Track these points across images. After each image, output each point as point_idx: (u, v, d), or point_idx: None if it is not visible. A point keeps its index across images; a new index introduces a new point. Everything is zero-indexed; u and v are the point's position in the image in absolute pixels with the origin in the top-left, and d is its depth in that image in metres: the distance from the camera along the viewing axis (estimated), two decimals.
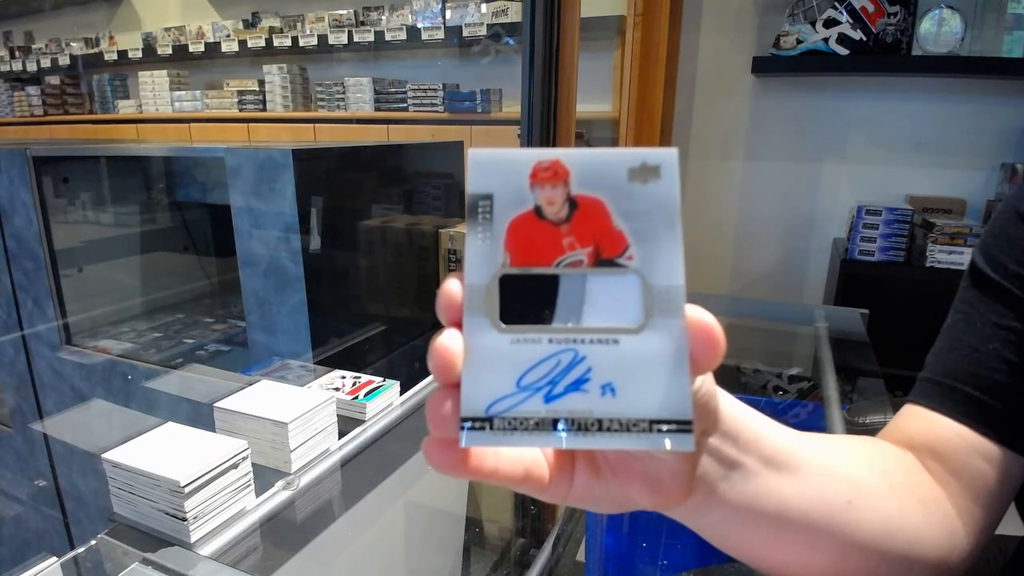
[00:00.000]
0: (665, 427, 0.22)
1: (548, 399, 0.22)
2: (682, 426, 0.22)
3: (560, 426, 0.22)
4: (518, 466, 0.25)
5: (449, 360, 0.22)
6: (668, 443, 0.22)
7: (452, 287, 0.23)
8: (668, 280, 0.22)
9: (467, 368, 0.22)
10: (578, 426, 0.22)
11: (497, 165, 0.23)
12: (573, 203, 0.23)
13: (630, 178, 0.23)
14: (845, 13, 1.83)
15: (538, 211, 0.23)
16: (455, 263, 1.53)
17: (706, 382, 0.25)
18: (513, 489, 0.26)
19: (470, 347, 0.22)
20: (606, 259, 0.23)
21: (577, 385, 0.22)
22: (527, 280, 0.23)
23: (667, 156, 0.23)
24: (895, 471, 0.39)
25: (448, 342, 0.22)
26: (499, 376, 0.22)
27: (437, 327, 0.23)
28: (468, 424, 0.22)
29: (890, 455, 0.41)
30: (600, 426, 0.22)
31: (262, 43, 2.88)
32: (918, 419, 0.43)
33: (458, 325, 0.23)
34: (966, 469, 0.39)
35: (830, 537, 0.33)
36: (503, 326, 0.22)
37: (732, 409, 0.29)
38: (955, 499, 0.39)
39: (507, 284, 0.23)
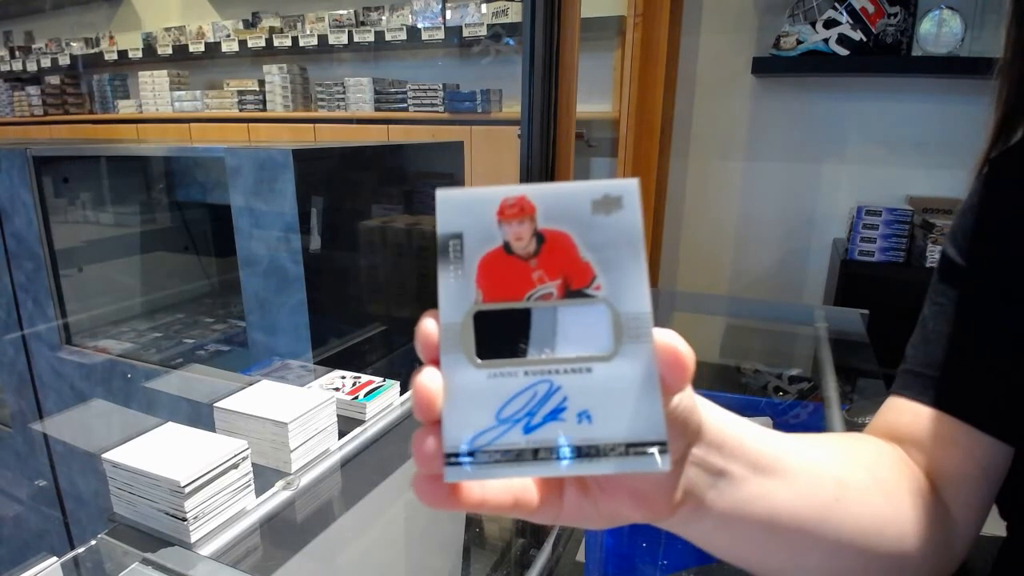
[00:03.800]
0: (641, 449, 0.23)
1: (527, 430, 0.23)
2: (657, 447, 0.23)
3: (540, 455, 0.23)
4: (506, 494, 0.26)
5: (429, 398, 0.22)
6: (645, 464, 0.23)
7: (428, 326, 0.23)
8: (635, 307, 0.23)
9: (447, 405, 0.23)
10: (557, 454, 0.23)
11: (465, 204, 0.24)
12: (540, 237, 0.24)
13: (593, 210, 0.23)
14: (845, 14, 1.83)
15: (507, 247, 0.24)
16: None
17: (684, 398, 0.26)
18: (504, 515, 0.26)
19: (449, 384, 0.23)
20: (575, 290, 0.24)
21: (555, 415, 0.23)
22: (500, 315, 0.23)
23: (628, 187, 0.23)
24: (882, 466, 0.39)
25: (427, 381, 0.23)
26: (479, 411, 0.23)
27: None
28: (452, 460, 0.23)
29: (879, 450, 0.41)
30: (579, 453, 0.23)
31: (262, 43, 2.88)
32: (901, 411, 0.43)
33: (436, 363, 0.23)
34: (950, 458, 0.40)
35: (821, 537, 0.33)
36: (479, 361, 0.23)
37: (715, 418, 0.29)
38: (941, 489, 0.39)
39: (481, 320, 0.23)
